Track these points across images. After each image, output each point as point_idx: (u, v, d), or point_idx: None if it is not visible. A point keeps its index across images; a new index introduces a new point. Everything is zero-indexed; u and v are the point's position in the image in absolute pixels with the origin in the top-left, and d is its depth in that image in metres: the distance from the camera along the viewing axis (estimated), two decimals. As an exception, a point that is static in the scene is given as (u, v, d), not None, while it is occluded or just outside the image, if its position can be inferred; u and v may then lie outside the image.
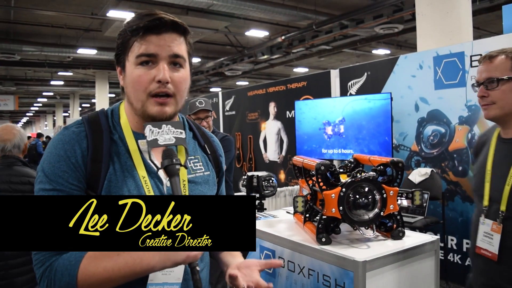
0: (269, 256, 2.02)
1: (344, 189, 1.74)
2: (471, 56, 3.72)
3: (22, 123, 45.32)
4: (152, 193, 1.10)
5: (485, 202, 1.67)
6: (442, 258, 3.87)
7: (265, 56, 13.80)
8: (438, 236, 1.90)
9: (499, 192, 1.60)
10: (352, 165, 2.16)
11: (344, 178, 1.83)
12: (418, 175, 3.96)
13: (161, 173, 1.13)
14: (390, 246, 1.74)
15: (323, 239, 1.76)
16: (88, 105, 32.17)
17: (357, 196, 1.76)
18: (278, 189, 3.61)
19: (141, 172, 1.11)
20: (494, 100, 1.60)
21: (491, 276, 1.63)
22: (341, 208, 1.73)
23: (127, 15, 10.34)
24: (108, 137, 1.12)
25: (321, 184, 1.76)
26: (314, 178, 1.88)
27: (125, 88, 1.14)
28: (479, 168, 1.76)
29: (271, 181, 2.51)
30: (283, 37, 11.90)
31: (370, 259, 1.59)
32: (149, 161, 1.13)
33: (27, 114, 39.36)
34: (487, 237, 1.63)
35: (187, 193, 1.17)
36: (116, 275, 0.94)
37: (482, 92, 1.63)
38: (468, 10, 5.26)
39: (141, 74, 1.08)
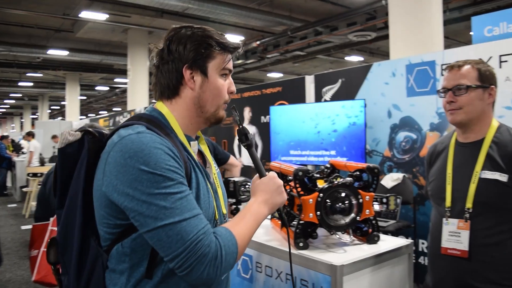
0: (246, 262, 2.02)
1: (321, 195, 1.76)
2: (442, 65, 3.83)
3: (-12, 125, 43.94)
4: (210, 189, 1.22)
5: (448, 203, 1.74)
6: (414, 261, 3.94)
7: (240, 61, 13.85)
8: (412, 240, 1.95)
9: (462, 191, 1.69)
10: (329, 171, 2.19)
11: (321, 184, 1.86)
12: (390, 180, 4.04)
13: (209, 168, 1.31)
14: (366, 250, 1.77)
15: (301, 244, 1.78)
16: (58, 108, 31.47)
17: (334, 201, 1.78)
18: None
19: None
20: (462, 105, 1.70)
21: (460, 274, 1.68)
22: (318, 213, 1.75)
23: (100, 16, 10.19)
24: (177, 140, 1.18)
25: (299, 189, 1.78)
26: (291, 184, 1.90)
27: (202, 92, 1.22)
28: (437, 173, 1.84)
29: (247, 186, 2.52)
30: (258, 42, 11.97)
31: (347, 263, 1.61)
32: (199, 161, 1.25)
33: (-7, 115, 38.21)
34: (454, 236, 1.69)
35: (219, 183, 1.32)
36: (253, 230, 1.18)
37: (451, 98, 1.73)
38: (439, 20, 5.42)
39: (224, 84, 1.24)
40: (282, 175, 2.04)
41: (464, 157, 1.75)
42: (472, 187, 1.66)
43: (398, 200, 3.75)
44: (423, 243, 3.97)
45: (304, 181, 1.80)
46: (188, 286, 1.13)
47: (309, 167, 4.55)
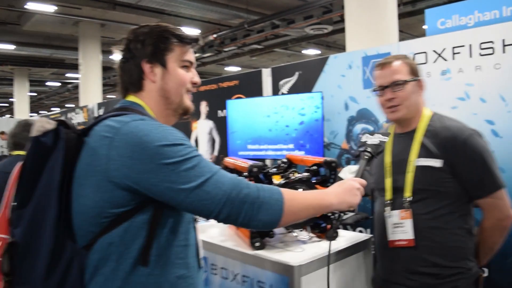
0: (201, 263, 1.91)
1: (278, 191, 1.68)
2: (396, 57, 3.84)
3: None
4: None
5: (388, 195, 1.75)
6: (373, 252, 3.97)
7: (197, 54, 13.61)
8: (371, 235, 1.91)
9: (401, 181, 1.70)
10: (286, 166, 2.12)
11: (277, 179, 1.79)
12: (348, 172, 3.98)
13: None
14: (325, 247, 1.71)
15: (257, 244, 1.69)
16: (7, 105, 30.05)
17: (291, 198, 1.70)
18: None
19: None
20: (401, 101, 1.72)
21: (408, 262, 1.68)
22: (275, 210, 1.67)
23: (48, 8, 9.71)
24: None
25: (254, 186, 1.69)
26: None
27: (164, 83, 1.26)
28: (378, 165, 1.85)
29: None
30: (214, 35, 11.80)
31: (305, 262, 1.54)
32: None
33: None
34: (398, 227, 1.69)
35: None
36: (309, 205, 1.20)
37: (391, 94, 1.73)
38: (394, 13, 5.48)
39: (185, 74, 1.30)
40: (237, 172, 1.94)
41: (401, 147, 1.77)
42: (409, 176, 1.68)
43: (357, 193, 3.75)
44: (381, 235, 4.01)
45: (259, 177, 1.72)
46: (176, 278, 1.13)
47: (267, 161, 4.49)
